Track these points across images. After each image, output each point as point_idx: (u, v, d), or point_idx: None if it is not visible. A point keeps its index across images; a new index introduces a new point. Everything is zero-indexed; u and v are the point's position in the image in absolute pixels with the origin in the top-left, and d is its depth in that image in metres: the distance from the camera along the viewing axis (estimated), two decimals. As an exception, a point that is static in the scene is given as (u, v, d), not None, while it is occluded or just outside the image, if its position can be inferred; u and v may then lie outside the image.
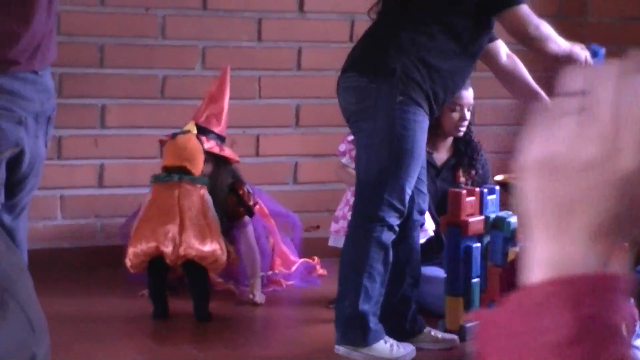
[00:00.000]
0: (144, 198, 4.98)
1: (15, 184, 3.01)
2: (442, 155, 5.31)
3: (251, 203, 5.16)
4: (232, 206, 5.11)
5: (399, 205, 4.15)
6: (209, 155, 5.00)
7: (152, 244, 4.79)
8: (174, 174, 4.91)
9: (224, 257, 4.91)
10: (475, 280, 4.55)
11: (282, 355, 4.55)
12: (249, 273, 5.16)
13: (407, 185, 4.18)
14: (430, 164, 5.12)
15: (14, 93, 2.88)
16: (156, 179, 4.96)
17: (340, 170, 4.96)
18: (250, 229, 5.21)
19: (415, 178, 4.25)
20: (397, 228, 4.19)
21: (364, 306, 4.19)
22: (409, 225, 4.35)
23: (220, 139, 5.10)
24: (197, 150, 4.97)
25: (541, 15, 6.32)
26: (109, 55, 5.58)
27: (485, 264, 4.58)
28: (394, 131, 4.19)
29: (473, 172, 5.21)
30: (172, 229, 4.81)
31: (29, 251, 3.48)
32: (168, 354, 4.60)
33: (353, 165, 4.73)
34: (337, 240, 4.79)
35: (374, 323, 4.22)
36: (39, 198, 5.13)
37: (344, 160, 4.86)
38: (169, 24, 5.68)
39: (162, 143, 5.18)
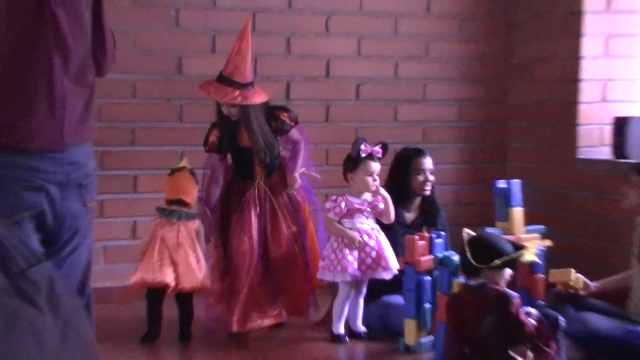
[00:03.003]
0: (152, 225, 4.84)
1: (50, 236, 2.89)
2: (411, 215, 5.21)
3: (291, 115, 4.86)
4: (277, 125, 4.83)
5: None
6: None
7: (159, 279, 4.69)
8: (175, 207, 4.81)
9: (208, 282, 4.82)
10: (427, 305, 4.56)
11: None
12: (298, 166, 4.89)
13: None
14: (402, 222, 5.11)
15: (33, 167, 2.77)
16: (161, 213, 4.82)
17: (329, 224, 4.84)
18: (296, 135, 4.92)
19: None
20: None
21: None
22: None
23: (245, 85, 4.67)
24: (189, 184, 4.88)
25: (469, 99, 6.26)
26: (139, 136, 5.57)
27: (434, 293, 4.56)
28: None
29: (433, 229, 5.01)
30: (176, 267, 4.73)
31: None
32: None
33: (337, 219, 4.78)
34: (322, 274, 4.79)
35: None
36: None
37: (330, 215, 4.81)
38: (186, 112, 5.66)
39: None
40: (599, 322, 4.43)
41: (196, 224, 4.87)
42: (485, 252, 3.97)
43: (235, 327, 4.69)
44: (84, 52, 2.82)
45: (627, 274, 4.63)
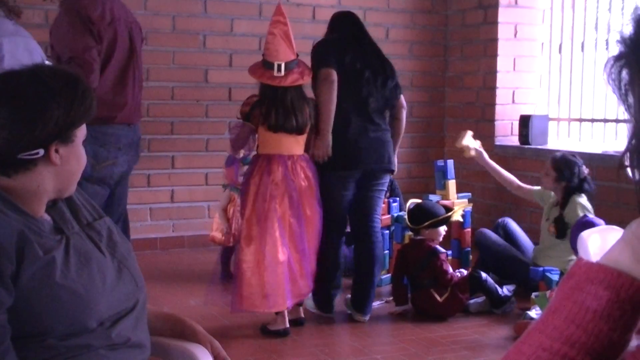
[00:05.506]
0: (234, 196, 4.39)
1: (122, 177, 3.42)
2: None
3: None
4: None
5: None
6: None
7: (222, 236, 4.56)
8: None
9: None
10: (387, 251, 4.54)
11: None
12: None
13: None
14: None
15: (117, 135, 3.30)
16: (233, 189, 4.40)
17: None
18: None
19: None
20: None
21: None
22: None
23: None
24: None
25: (418, 102, 6.20)
26: (176, 128, 5.44)
27: (392, 242, 4.58)
28: None
29: (391, 195, 4.77)
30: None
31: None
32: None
33: None
34: None
35: None
36: (136, 210, 5.12)
37: None
38: (210, 110, 5.51)
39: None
40: (510, 250, 4.43)
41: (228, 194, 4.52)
42: (421, 216, 3.97)
43: (234, 306, 3.57)
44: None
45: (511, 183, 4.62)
